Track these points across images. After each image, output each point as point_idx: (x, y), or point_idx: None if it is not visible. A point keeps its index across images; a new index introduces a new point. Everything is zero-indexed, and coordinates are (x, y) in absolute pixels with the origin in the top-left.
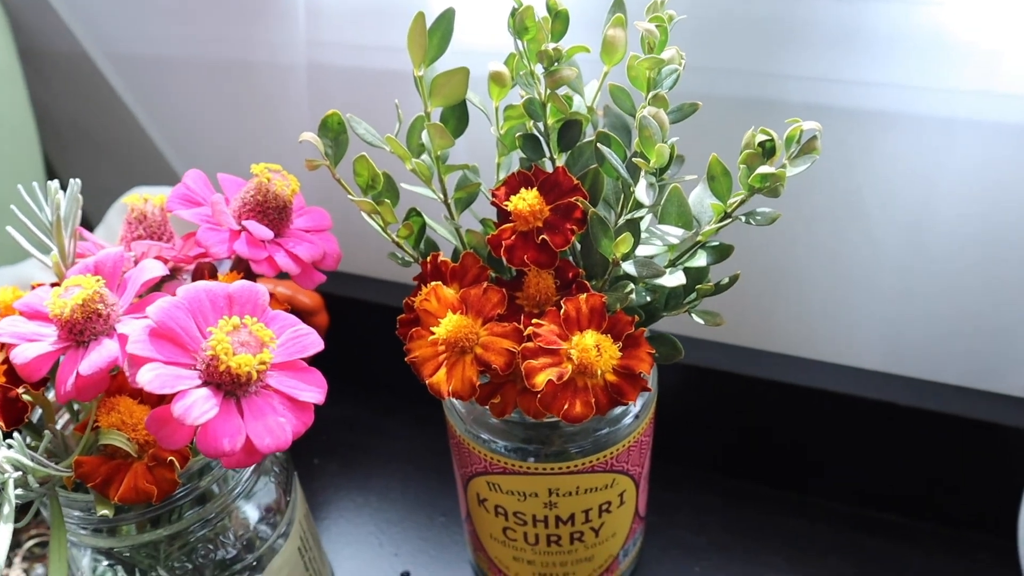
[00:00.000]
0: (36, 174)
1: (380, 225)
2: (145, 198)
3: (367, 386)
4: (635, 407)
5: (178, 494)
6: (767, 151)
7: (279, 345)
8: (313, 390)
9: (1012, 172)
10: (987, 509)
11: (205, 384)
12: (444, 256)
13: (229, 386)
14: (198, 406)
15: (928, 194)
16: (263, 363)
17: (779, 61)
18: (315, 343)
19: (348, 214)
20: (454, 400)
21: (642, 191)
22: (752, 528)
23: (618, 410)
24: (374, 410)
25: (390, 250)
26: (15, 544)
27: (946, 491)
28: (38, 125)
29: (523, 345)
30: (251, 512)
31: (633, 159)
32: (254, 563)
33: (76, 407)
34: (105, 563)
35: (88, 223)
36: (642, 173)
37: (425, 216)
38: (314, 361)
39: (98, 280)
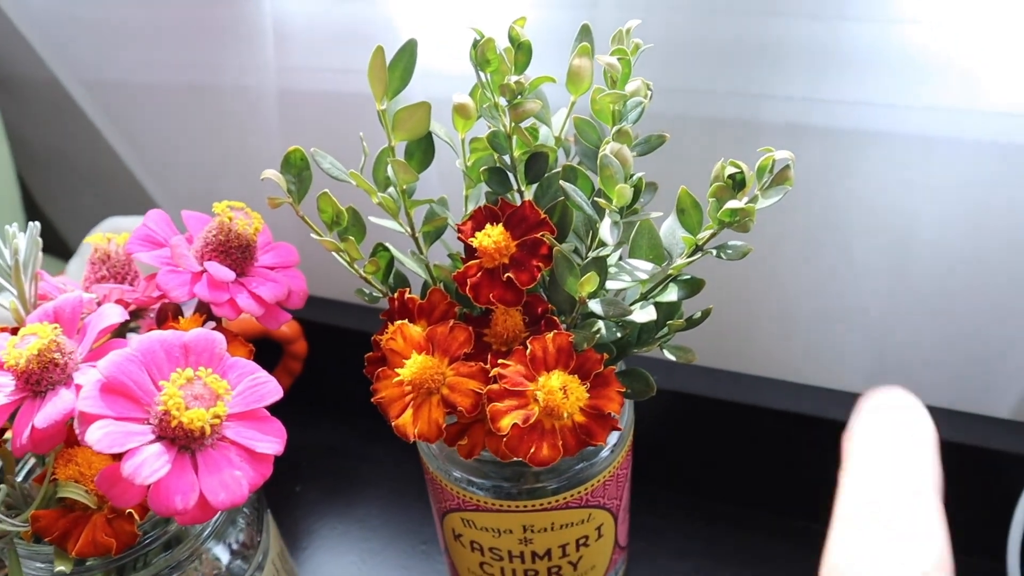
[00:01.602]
0: (11, 199)
1: (346, 261)
2: (108, 237)
3: (350, 412)
4: (611, 440)
5: (145, 540)
6: (737, 183)
7: (236, 395)
8: (271, 440)
9: (994, 191)
10: (975, 533)
11: (159, 439)
12: (413, 291)
13: (183, 441)
14: (149, 464)
15: (910, 214)
16: (217, 417)
17: (757, 81)
18: (274, 391)
19: None
20: None
21: (606, 230)
22: (737, 553)
23: None
24: (357, 436)
25: (359, 285)
26: None
27: None
28: (13, 150)
29: (488, 387)
30: (222, 553)
31: (595, 199)
32: None
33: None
34: None
35: (67, 248)
36: (606, 212)
37: (393, 250)
38: (297, 387)
39: (55, 328)
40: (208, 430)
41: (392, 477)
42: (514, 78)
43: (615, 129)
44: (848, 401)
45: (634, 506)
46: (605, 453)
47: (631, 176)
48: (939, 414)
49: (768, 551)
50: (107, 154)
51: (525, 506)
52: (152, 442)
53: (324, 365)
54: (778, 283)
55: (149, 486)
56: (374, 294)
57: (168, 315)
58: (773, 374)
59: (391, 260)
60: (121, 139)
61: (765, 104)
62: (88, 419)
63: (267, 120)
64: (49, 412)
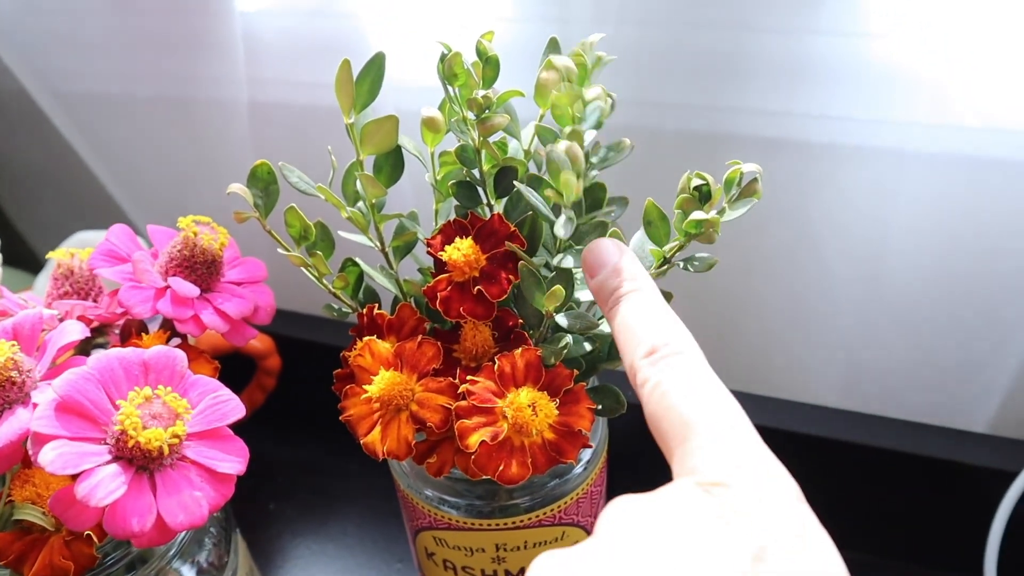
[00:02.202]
0: None
1: (315, 276)
2: (72, 252)
3: (325, 428)
4: (584, 457)
5: (107, 561)
6: (703, 195)
7: (197, 413)
8: (233, 460)
9: (965, 204)
10: (952, 548)
11: (116, 459)
12: (383, 307)
13: (141, 461)
14: (103, 486)
15: (883, 227)
16: (176, 436)
17: (731, 95)
18: (236, 410)
19: None
20: None
21: (560, 226)
22: None
23: None
24: (332, 452)
25: (327, 301)
26: None
27: (908, 530)
28: None
29: (457, 404)
30: (188, 573)
31: (545, 192)
32: None
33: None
34: None
35: (36, 260)
36: (562, 208)
37: (363, 265)
38: (270, 403)
39: (13, 345)
40: (166, 450)
41: (367, 494)
42: (482, 92)
43: (568, 130)
44: (822, 416)
45: None
46: (578, 470)
47: (583, 175)
48: (914, 428)
49: None
50: (78, 166)
51: (497, 524)
52: (108, 463)
53: (298, 380)
54: (752, 297)
55: (104, 508)
56: (343, 309)
57: (132, 331)
58: (744, 387)
59: (360, 275)
60: (91, 151)
61: (739, 118)
62: (41, 439)
63: (238, 132)
64: (4, 432)
